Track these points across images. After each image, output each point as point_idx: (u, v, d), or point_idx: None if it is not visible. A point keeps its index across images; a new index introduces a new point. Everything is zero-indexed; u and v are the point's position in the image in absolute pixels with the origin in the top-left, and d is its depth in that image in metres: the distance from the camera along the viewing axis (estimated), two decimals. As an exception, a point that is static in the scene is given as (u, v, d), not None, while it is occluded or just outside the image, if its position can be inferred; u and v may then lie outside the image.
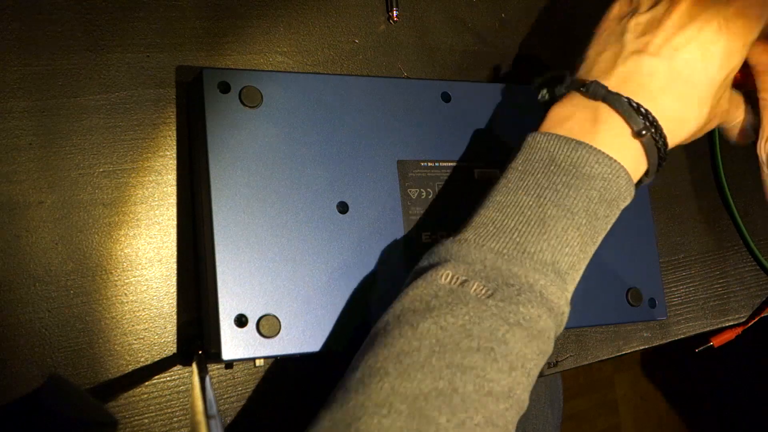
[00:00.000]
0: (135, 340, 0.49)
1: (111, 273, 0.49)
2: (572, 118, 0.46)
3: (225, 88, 0.47)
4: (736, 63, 0.46)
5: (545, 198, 0.43)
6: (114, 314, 0.49)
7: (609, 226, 0.45)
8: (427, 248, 0.50)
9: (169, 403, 0.49)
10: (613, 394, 1.64)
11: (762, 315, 0.70)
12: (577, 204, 0.43)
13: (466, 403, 0.36)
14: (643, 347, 0.65)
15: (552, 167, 0.44)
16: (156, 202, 0.50)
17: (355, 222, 0.49)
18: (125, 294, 0.49)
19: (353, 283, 0.48)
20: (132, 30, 0.51)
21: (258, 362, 0.46)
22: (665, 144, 0.45)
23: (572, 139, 0.44)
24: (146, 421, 0.49)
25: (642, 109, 0.44)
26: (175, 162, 0.51)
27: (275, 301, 0.46)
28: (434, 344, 0.38)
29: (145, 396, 0.49)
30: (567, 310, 0.42)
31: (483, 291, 0.40)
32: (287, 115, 0.49)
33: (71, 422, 0.47)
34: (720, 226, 0.70)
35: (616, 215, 0.45)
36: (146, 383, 0.49)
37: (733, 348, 0.72)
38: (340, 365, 0.54)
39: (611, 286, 0.56)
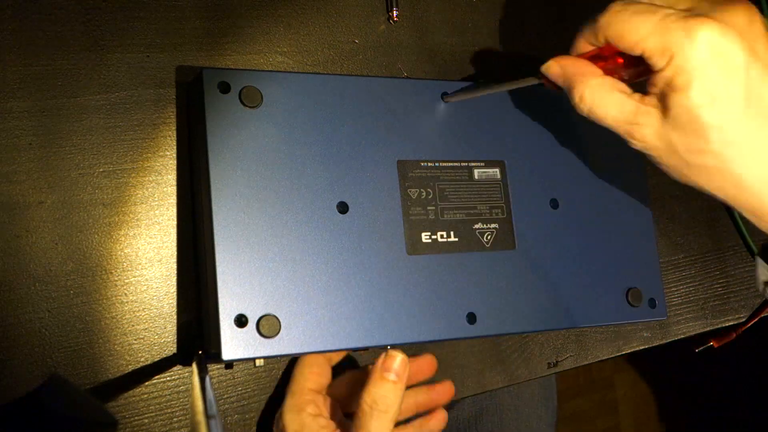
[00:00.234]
0: (135, 340, 0.49)
1: (111, 273, 0.49)
2: None
3: (225, 88, 0.47)
4: None
5: None
6: (114, 314, 0.49)
7: None
8: (427, 248, 0.51)
9: (169, 403, 0.50)
10: (613, 394, 1.64)
11: (762, 315, 0.70)
12: None
13: None
14: (643, 347, 0.65)
15: None
16: (156, 202, 0.50)
17: (355, 222, 0.49)
18: (125, 294, 0.49)
19: (353, 284, 0.48)
20: (132, 30, 0.51)
21: (258, 362, 0.46)
22: None
23: None
24: (146, 421, 0.49)
25: None
26: (175, 162, 0.51)
27: (275, 301, 0.46)
28: None
29: (145, 396, 0.49)
30: None
31: None
32: (287, 115, 0.49)
33: (71, 422, 0.47)
34: (720, 226, 0.70)
35: None
36: (146, 383, 0.49)
37: (733, 348, 0.72)
38: (340, 365, 0.54)
39: (611, 286, 0.56)
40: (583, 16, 0.46)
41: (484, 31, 0.62)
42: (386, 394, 0.46)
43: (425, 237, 0.51)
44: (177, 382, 0.50)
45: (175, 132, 0.51)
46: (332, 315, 0.47)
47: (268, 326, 0.45)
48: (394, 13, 0.58)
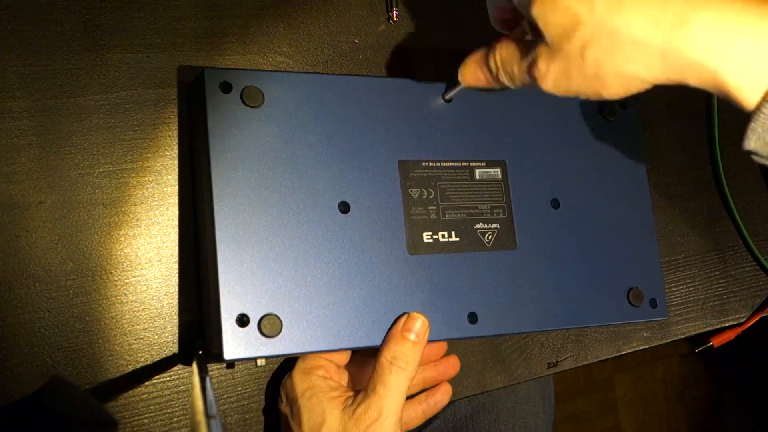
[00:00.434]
0: (135, 340, 0.49)
1: (111, 273, 0.49)
2: None
3: (227, 87, 0.47)
4: None
5: None
6: (114, 314, 0.49)
7: None
8: (428, 248, 0.51)
9: (169, 403, 0.49)
10: (613, 394, 1.64)
11: (762, 315, 0.70)
12: None
13: None
14: (643, 347, 0.65)
15: None
16: (156, 202, 0.50)
17: (357, 222, 0.49)
18: (125, 294, 0.49)
19: (354, 283, 0.48)
20: (132, 30, 0.51)
21: (259, 362, 0.46)
22: None
23: None
24: (146, 421, 0.49)
25: None
26: (176, 162, 0.51)
27: (277, 300, 0.46)
28: None
29: (145, 396, 0.49)
30: None
31: None
32: (289, 114, 0.49)
33: (71, 422, 0.47)
34: (720, 226, 0.70)
35: None
36: (146, 383, 0.49)
37: (733, 348, 0.72)
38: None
39: (612, 286, 0.56)
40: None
41: (484, 31, 0.62)
42: (406, 352, 0.47)
43: (426, 237, 0.51)
44: (177, 382, 0.50)
45: (175, 132, 0.51)
46: (333, 314, 0.47)
47: (269, 326, 0.45)
48: (394, 13, 0.58)
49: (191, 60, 0.52)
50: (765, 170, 0.73)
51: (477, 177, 0.54)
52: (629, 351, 0.65)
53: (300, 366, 0.50)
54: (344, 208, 0.49)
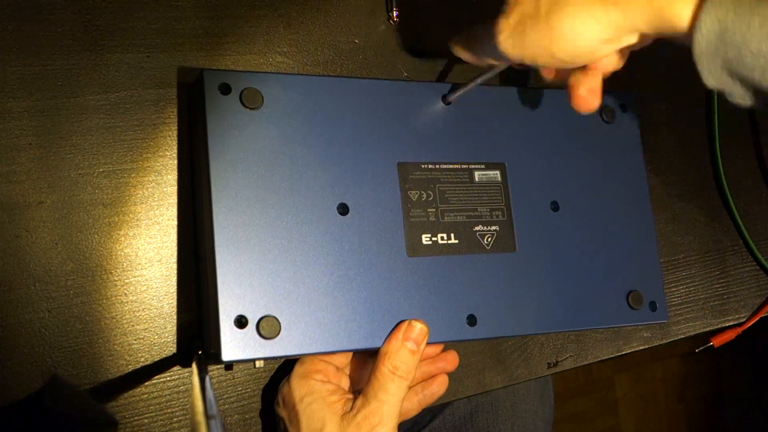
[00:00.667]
0: (135, 340, 0.49)
1: (111, 273, 0.49)
2: None
3: (226, 89, 0.47)
4: None
5: None
6: (114, 314, 0.49)
7: None
8: (427, 250, 0.50)
9: (169, 403, 0.50)
10: (613, 394, 1.64)
11: (762, 315, 0.70)
12: None
13: None
14: (643, 347, 0.65)
15: None
16: (156, 202, 0.50)
17: (356, 224, 0.49)
18: (125, 294, 0.49)
19: (353, 285, 0.48)
20: (132, 30, 0.51)
21: (258, 363, 0.46)
22: None
23: None
24: (146, 421, 0.49)
25: None
26: (176, 162, 0.51)
27: (275, 302, 0.46)
28: None
29: (145, 396, 0.49)
30: None
31: None
32: (288, 116, 0.49)
33: (71, 422, 0.47)
34: (720, 226, 0.70)
35: None
36: (146, 383, 0.49)
37: (733, 348, 0.72)
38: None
39: (612, 288, 0.56)
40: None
41: (485, 31, 0.62)
42: (406, 360, 0.48)
43: (425, 239, 0.51)
44: (177, 382, 0.50)
45: (175, 132, 0.51)
46: (332, 316, 0.47)
47: (268, 327, 0.45)
48: (394, 13, 0.58)
49: (191, 60, 0.52)
50: (763, 167, 0.73)
51: (476, 179, 0.54)
52: (629, 351, 0.65)
53: (298, 370, 0.50)
54: (343, 210, 0.49)
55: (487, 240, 0.53)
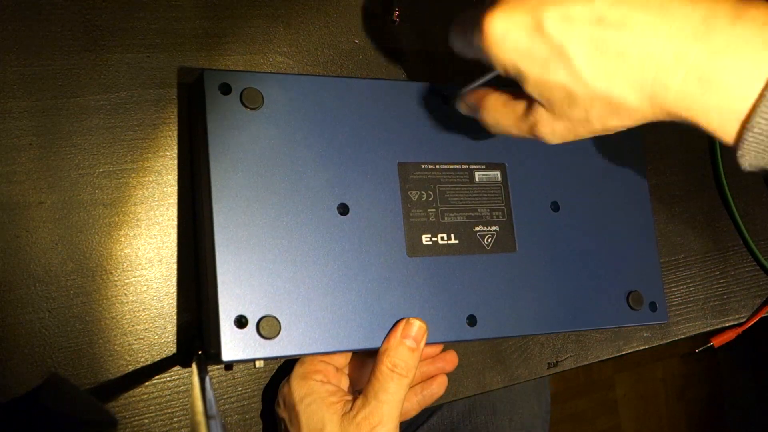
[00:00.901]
0: (135, 340, 0.49)
1: (111, 273, 0.49)
2: None
3: (226, 89, 0.47)
4: None
5: None
6: (114, 314, 0.49)
7: None
8: (427, 250, 0.50)
9: (169, 403, 0.50)
10: (613, 394, 1.64)
11: (762, 315, 0.70)
12: None
13: None
14: (643, 347, 0.65)
15: None
16: (156, 202, 0.50)
17: (356, 224, 0.49)
18: (125, 294, 0.49)
19: (353, 285, 0.48)
20: (132, 30, 0.51)
21: (258, 363, 0.46)
22: None
23: None
24: (146, 421, 0.49)
25: None
26: (176, 162, 0.51)
27: (275, 302, 0.46)
28: None
29: (145, 396, 0.49)
30: None
31: None
32: (288, 116, 0.49)
33: (71, 422, 0.47)
34: (720, 226, 0.70)
35: None
36: (146, 383, 0.49)
37: (733, 348, 0.72)
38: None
39: (612, 289, 0.56)
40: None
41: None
42: (406, 358, 0.48)
43: (426, 239, 0.51)
44: (177, 382, 0.50)
45: (175, 132, 0.51)
46: (332, 316, 0.47)
47: (268, 327, 0.45)
48: (395, 13, 0.58)
49: (191, 60, 0.52)
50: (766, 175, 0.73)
51: (476, 179, 0.54)
52: (629, 351, 0.65)
53: (298, 371, 0.50)
54: (343, 210, 0.49)
55: (487, 240, 0.53)
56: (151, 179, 0.50)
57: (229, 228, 0.46)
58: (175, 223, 0.50)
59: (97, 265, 0.48)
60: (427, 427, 0.70)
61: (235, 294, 0.45)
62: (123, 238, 0.49)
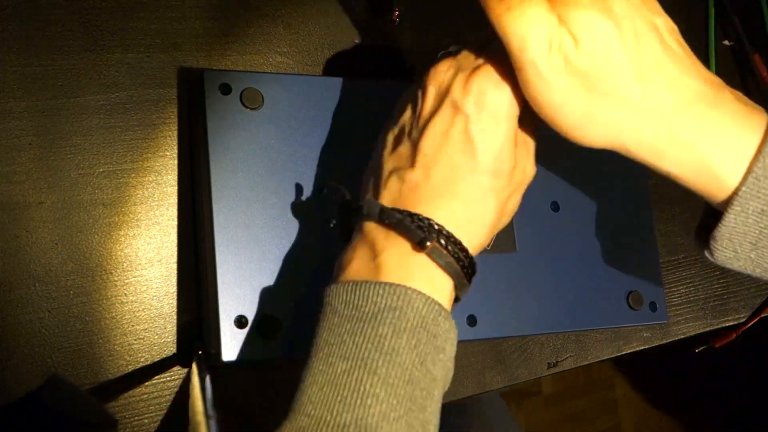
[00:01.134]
0: (135, 340, 0.49)
1: (111, 273, 0.49)
2: (354, 259, 0.41)
3: (226, 89, 0.47)
4: (504, 126, 0.41)
5: (350, 361, 0.37)
6: (114, 314, 0.49)
7: (435, 362, 0.39)
8: None
9: (169, 403, 0.49)
10: (613, 394, 1.64)
11: (762, 315, 0.70)
12: (367, 347, 0.37)
13: None
14: (643, 347, 0.65)
15: (336, 320, 0.39)
16: (156, 202, 0.50)
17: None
18: (125, 294, 0.49)
19: None
20: (132, 30, 0.51)
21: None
22: (463, 249, 0.40)
23: (351, 282, 0.39)
24: (146, 421, 0.49)
25: (422, 219, 0.39)
26: (176, 162, 0.51)
27: (276, 302, 0.46)
28: None
29: (145, 396, 0.49)
30: None
31: None
32: (288, 116, 0.49)
33: (71, 422, 0.47)
34: (720, 226, 0.70)
35: (437, 344, 0.39)
36: (146, 383, 0.49)
37: (733, 348, 0.72)
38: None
39: (612, 289, 0.56)
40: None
41: (484, 31, 0.62)
42: None
43: None
44: (177, 382, 0.50)
45: (175, 132, 0.51)
46: None
47: (268, 328, 0.45)
48: (395, 13, 0.58)
49: (191, 60, 0.52)
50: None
51: None
52: (629, 351, 0.65)
53: None
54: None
55: None
56: (151, 179, 0.50)
57: (229, 228, 0.46)
58: (175, 223, 0.50)
59: (97, 265, 0.48)
60: None
61: (235, 294, 0.45)
62: (123, 238, 0.49)
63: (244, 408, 0.52)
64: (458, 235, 0.40)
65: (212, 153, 0.46)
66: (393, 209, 0.40)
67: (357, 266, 0.40)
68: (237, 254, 0.46)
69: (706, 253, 0.41)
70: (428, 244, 0.39)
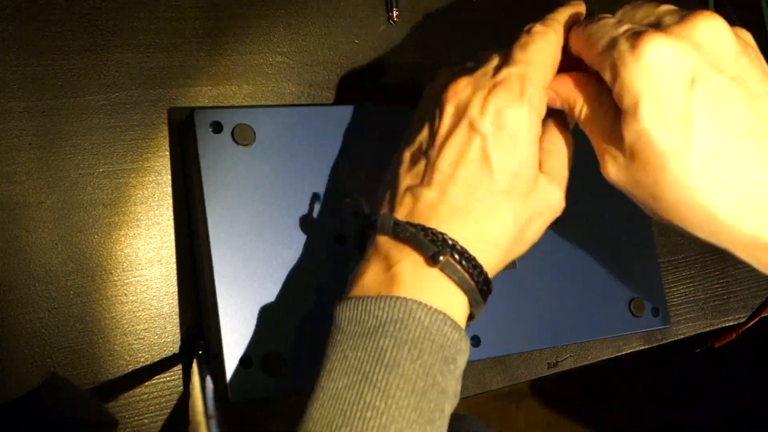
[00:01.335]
0: (135, 340, 0.49)
1: (111, 273, 0.49)
2: (367, 272, 0.40)
3: (217, 127, 0.47)
4: (524, 152, 0.41)
5: (356, 385, 0.37)
6: (114, 314, 0.49)
7: (447, 381, 0.38)
8: None
9: (169, 403, 0.49)
10: (613, 394, 1.64)
11: (762, 315, 0.70)
12: (368, 361, 0.37)
13: None
14: (643, 347, 0.65)
15: (340, 336, 0.39)
16: (156, 203, 0.50)
17: (355, 253, 0.49)
18: (125, 294, 0.49)
19: None
20: (132, 30, 0.51)
21: None
22: (476, 265, 0.40)
23: (354, 299, 0.39)
24: (146, 421, 0.49)
25: (436, 234, 0.39)
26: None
27: (279, 338, 0.46)
28: None
29: (145, 396, 0.49)
30: None
31: None
32: (281, 150, 0.48)
33: (71, 422, 0.47)
34: (720, 226, 0.70)
35: (444, 354, 0.38)
36: (146, 383, 0.49)
37: (733, 348, 0.72)
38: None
39: (613, 297, 0.56)
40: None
41: (484, 31, 0.62)
42: None
43: None
44: (177, 382, 0.50)
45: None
46: None
47: (273, 365, 0.45)
48: (394, 13, 0.58)
49: (191, 60, 0.52)
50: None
51: None
52: (629, 351, 0.65)
53: None
54: (342, 239, 0.49)
55: None
56: (151, 179, 0.50)
57: (229, 267, 0.45)
58: (175, 223, 0.50)
59: (97, 265, 0.48)
60: None
61: (238, 333, 0.45)
62: (123, 238, 0.49)
63: (244, 408, 0.52)
64: (472, 251, 0.40)
65: (207, 194, 0.46)
66: (407, 223, 0.40)
67: (369, 279, 0.40)
68: (238, 294, 0.45)
69: None
70: (441, 258, 0.39)
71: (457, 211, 0.40)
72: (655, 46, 0.37)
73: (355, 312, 0.38)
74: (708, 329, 0.68)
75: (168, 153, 0.51)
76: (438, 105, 0.42)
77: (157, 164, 0.50)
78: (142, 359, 0.49)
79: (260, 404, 0.51)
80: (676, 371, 1.68)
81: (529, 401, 1.57)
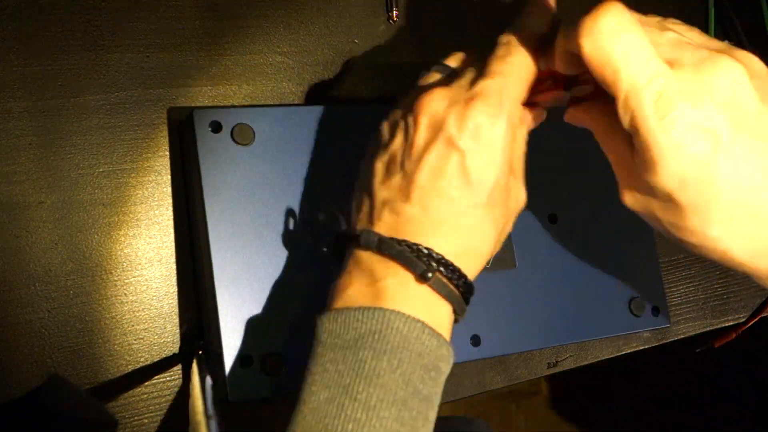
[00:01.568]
0: (135, 340, 0.49)
1: (111, 273, 0.49)
2: (351, 285, 0.40)
3: (216, 127, 0.47)
4: (496, 170, 0.41)
5: (339, 395, 0.37)
6: (114, 314, 0.49)
7: (434, 394, 0.38)
8: None
9: (168, 403, 0.50)
10: (613, 394, 1.64)
11: (762, 315, 0.70)
12: (348, 373, 0.37)
13: None
14: (642, 347, 0.65)
15: (320, 349, 0.39)
16: (156, 202, 0.50)
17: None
18: (125, 294, 0.49)
19: None
20: (132, 30, 0.51)
21: None
22: (462, 276, 0.41)
23: (334, 311, 0.39)
24: (146, 421, 0.49)
25: (422, 250, 0.39)
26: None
27: (278, 338, 0.46)
28: None
29: (145, 396, 0.49)
30: None
31: None
32: (281, 149, 0.48)
33: (71, 422, 0.47)
34: (720, 226, 0.70)
35: (423, 363, 0.38)
36: (146, 383, 0.49)
37: (733, 348, 0.72)
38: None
39: (613, 297, 0.56)
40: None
41: (484, 31, 0.62)
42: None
43: None
44: (177, 382, 0.50)
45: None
46: None
47: (272, 365, 0.45)
48: (394, 13, 0.58)
49: (191, 60, 0.52)
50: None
51: None
52: (629, 351, 0.65)
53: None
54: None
55: None
56: (150, 179, 0.50)
57: (228, 268, 0.45)
58: (175, 223, 0.50)
59: (96, 265, 0.48)
60: None
61: (237, 333, 0.45)
62: (123, 238, 0.49)
63: (244, 407, 0.52)
64: (458, 263, 0.40)
65: (206, 193, 0.46)
66: (392, 239, 0.40)
67: (353, 292, 0.40)
68: (237, 294, 0.45)
69: None
70: (430, 275, 0.39)
71: (439, 226, 0.40)
72: (681, 118, 0.36)
73: (335, 324, 0.38)
74: (708, 329, 0.68)
75: (168, 153, 0.51)
76: (412, 115, 0.42)
77: (157, 164, 0.50)
78: (142, 359, 0.49)
79: (259, 404, 0.51)
80: (676, 371, 1.68)
81: (529, 401, 1.57)
